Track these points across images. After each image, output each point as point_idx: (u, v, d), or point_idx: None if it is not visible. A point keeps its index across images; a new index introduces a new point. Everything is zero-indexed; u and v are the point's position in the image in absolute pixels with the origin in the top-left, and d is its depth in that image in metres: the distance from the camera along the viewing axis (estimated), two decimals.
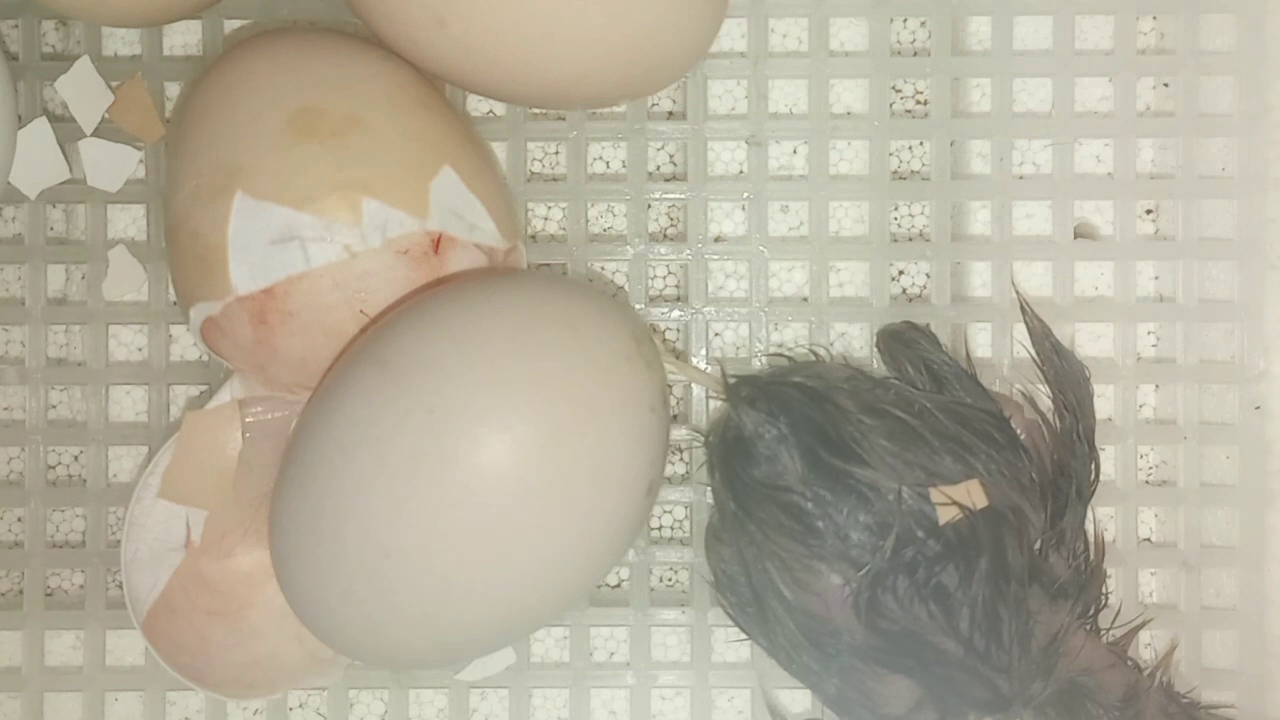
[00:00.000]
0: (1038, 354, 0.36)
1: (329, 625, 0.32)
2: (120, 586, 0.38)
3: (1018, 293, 0.36)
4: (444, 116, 0.35)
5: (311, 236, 0.32)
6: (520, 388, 0.31)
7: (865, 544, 0.32)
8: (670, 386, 0.36)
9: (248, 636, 0.35)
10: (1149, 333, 0.39)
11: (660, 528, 0.39)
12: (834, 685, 0.33)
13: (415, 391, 0.31)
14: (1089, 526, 0.34)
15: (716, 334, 0.38)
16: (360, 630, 0.32)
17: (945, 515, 0.32)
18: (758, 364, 0.38)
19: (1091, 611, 0.34)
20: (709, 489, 0.36)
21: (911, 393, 0.34)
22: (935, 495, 0.32)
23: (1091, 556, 0.34)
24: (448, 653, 0.33)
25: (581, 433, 0.31)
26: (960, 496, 0.33)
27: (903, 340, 0.36)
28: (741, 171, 0.38)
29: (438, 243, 0.33)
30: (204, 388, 0.38)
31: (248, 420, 0.35)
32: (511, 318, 0.32)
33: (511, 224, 0.35)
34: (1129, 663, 0.34)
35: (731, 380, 0.35)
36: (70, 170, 0.38)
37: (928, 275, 0.38)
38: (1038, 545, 0.33)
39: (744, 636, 0.36)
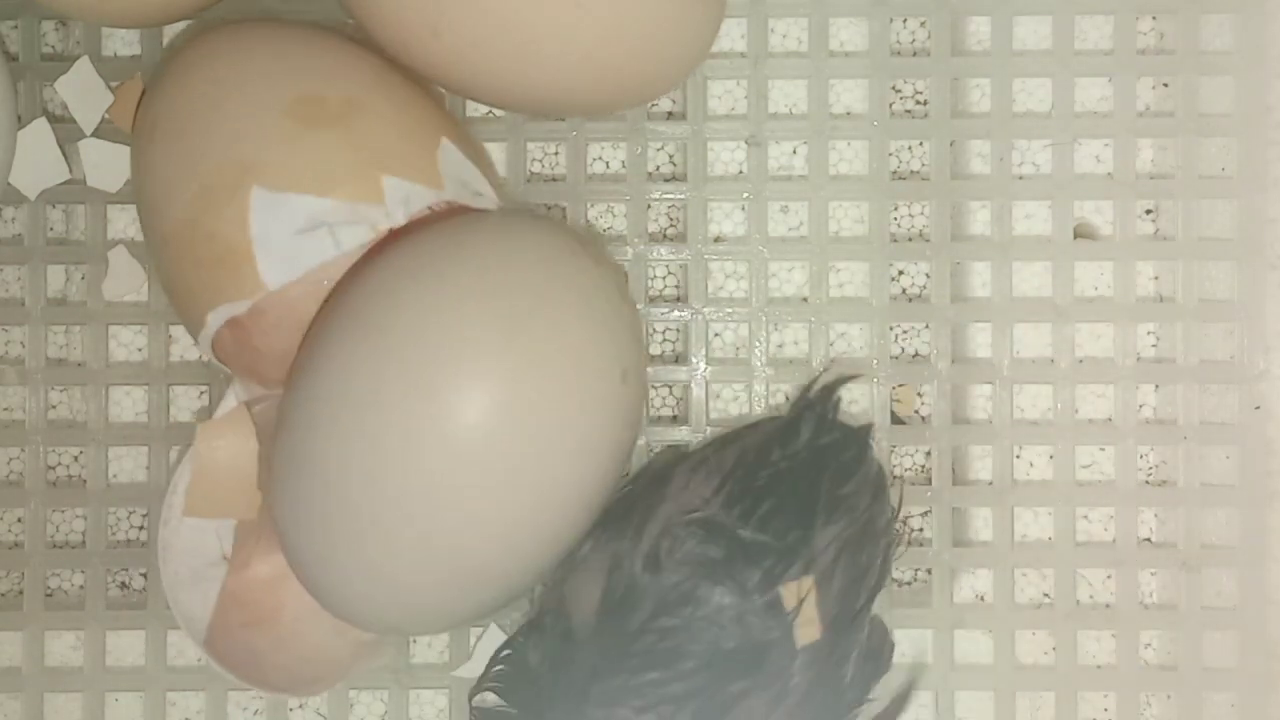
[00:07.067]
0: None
1: (334, 596, 0.32)
2: (121, 587, 0.38)
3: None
4: (426, 93, 0.35)
5: (339, 221, 0.32)
6: (478, 306, 0.31)
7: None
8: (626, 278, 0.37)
9: (288, 639, 0.35)
10: (1149, 333, 0.39)
11: None
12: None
13: (387, 334, 0.31)
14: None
15: (716, 334, 0.39)
16: (358, 593, 0.32)
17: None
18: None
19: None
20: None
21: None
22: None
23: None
24: (449, 609, 0.33)
25: (542, 323, 0.31)
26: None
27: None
28: (741, 171, 0.38)
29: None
30: (204, 387, 0.38)
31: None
32: (449, 253, 0.32)
33: (501, 189, 0.36)
34: None
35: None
36: (70, 170, 0.38)
37: (927, 275, 0.38)
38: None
39: None
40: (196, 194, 0.33)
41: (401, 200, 0.33)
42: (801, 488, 0.33)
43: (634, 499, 0.34)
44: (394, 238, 0.33)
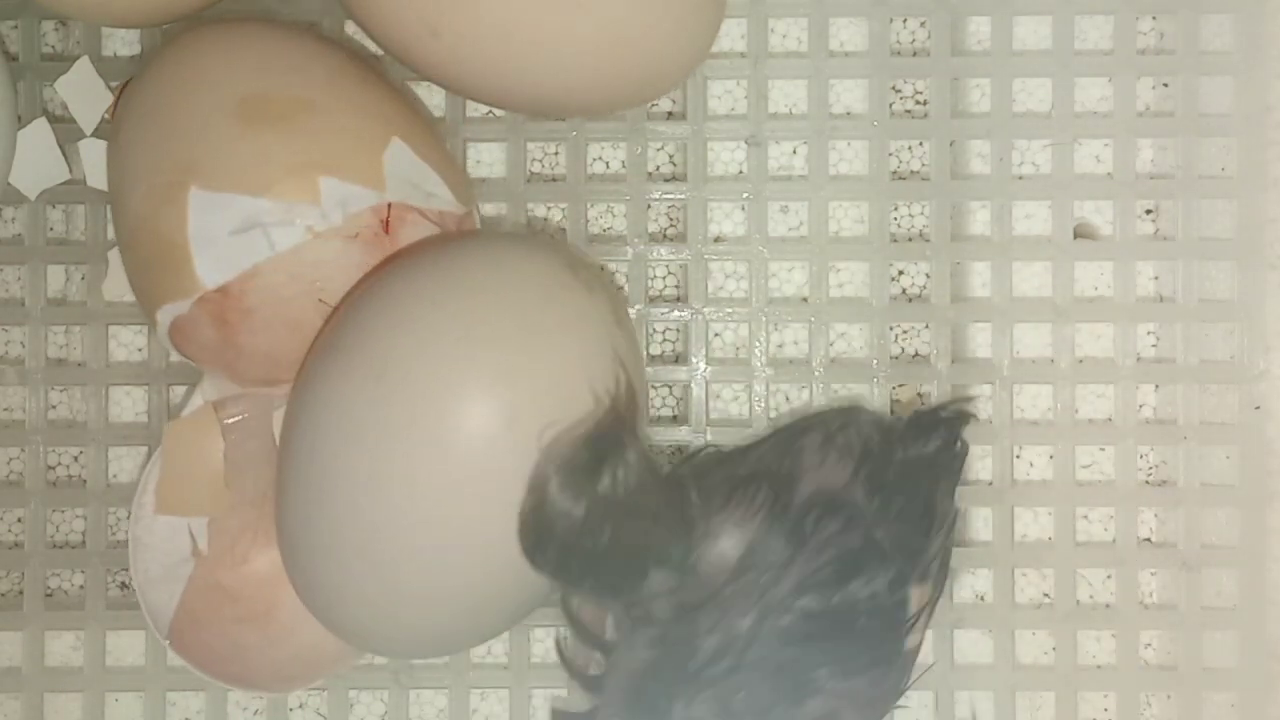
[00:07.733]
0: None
1: (337, 617, 0.32)
2: (121, 587, 0.38)
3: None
4: (386, 91, 0.35)
5: (273, 221, 0.32)
6: (472, 336, 0.31)
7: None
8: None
9: (284, 635, 0.35)
10: (1149, 333, 0.39)
11: None
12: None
13: (385, 364, 0.31)
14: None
15: (716, 334, 0.39)
16: (364, 617, 0.32)
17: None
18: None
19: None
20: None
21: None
22: None
23: None
24: (450, 632, 0.33)
25: (538, 352, 0.31)
26: None
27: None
28: (741, 172, 0.38)
29: (387, 222, 0.33)
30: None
31: (229, 423, 0.35)
32: (444, 282, 0.32)
33: (465, 189, 0.35)
34: None
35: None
36: (70, 170, 0.38)
37: (927, 275, 0.38)
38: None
39: None
40: (145, 193, 0.33)
41: (339, 201, 0.33)
42: (922, 492, 0.34)
43: (762, 468, 0.33)
44: (391, 261, 0.33)
